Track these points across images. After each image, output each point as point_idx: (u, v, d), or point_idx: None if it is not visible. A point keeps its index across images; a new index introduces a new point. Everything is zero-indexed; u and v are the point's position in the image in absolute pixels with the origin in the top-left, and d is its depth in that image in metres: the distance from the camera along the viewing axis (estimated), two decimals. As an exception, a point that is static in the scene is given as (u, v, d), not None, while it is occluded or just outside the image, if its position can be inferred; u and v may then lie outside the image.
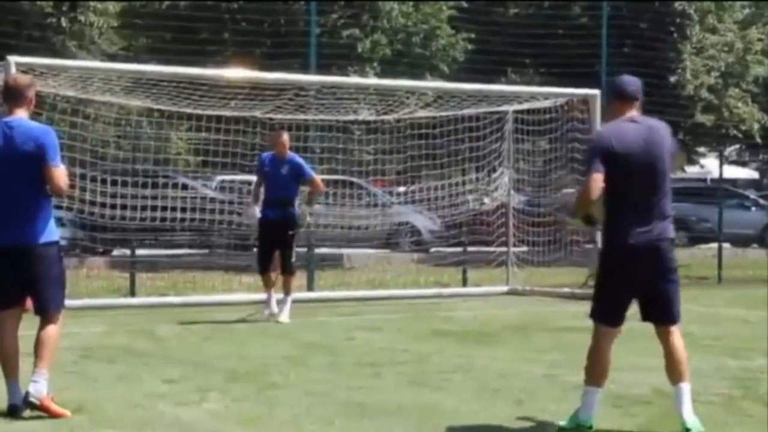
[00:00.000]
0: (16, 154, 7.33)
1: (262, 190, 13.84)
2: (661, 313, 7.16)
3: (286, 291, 13.73)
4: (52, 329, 7.47)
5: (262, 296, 14.37)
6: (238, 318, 13.78)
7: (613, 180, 6.89)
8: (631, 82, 7.23)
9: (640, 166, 6.92)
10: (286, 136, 14.02)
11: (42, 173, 7.34)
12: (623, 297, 7.13)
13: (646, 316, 7.22)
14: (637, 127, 7.04)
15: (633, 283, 7.05)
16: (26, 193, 7.38)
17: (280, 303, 13.61)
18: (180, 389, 8.60)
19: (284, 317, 13.47)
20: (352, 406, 7.95)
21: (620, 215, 6.98)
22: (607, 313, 7.20)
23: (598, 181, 6.86)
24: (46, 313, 7.50)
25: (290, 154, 13.90)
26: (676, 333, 7.16)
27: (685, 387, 7.05)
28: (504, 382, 9.02)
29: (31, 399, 7.27)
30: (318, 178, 14.33)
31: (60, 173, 7.40)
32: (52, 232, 7.53)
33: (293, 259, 13.89)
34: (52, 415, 7.34)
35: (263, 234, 13.77)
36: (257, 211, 13.77)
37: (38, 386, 7.30)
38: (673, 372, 7.10)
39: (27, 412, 7.34)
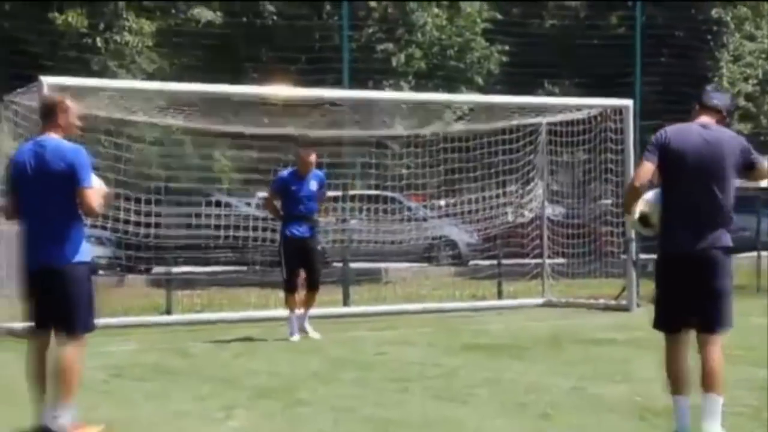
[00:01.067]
0: (47, 173, 7.27)
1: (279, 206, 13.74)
2: (703, 321, 7.01)
3: (309, 306, 13.73)
4: (72, 354, 7.32)
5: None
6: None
7: (666, 179, 6.94)
8: (717, 96, 7.30)
9: (693, 167, 6.86)
10: (313, 156, 13.83)
11: (73, 193, 7.27)
12: (676, 303, 7.03)
13: (693, 325, 7.08)
14: (701, 131, 6.98)
15: (684, 290, 6.96)
16: (57, 213, 7.31)
17: (300, 320, 13.53)
18: (207, 407, 8.62)
19: (314, 332, 13.51)
20: (377, 422, 7.93)
21: (672, 220, 6.96)
22: (662, 320, 7.16)
23: (646, 168, 6.91)
24: (73, 334, 7.37)
25: (315, 171, 13.79)
26: (715, 343, 7.00)
27: (715, 399, 6.92)
28: (531, 396, 8.95)
29: None
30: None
31: (91, 193, 7.30)
32: (83, 253, 7.44)
33: (319, 276, 13.89)
34: (78, 435, 7.35)
35: (290, 252, 13.49)
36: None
37: (62, 421, 7.22)
38: (706, 378, 6.97)
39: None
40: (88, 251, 7.55)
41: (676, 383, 7.09)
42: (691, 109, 7.24)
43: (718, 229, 6.92)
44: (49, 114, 7.53)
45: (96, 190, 7.41)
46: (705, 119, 7.05)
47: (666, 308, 7.12)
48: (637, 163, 7.08)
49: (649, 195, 7.12)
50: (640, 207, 7.12)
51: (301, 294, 13.64)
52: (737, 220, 23.62)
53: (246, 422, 8.02)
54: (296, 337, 13.30)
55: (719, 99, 7.24)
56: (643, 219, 7.18)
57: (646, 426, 7.69)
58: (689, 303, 6.98)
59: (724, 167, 6.90)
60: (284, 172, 14.04)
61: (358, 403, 8.75)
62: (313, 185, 13.55)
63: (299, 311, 13.60)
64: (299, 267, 13.50)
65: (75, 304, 7.40)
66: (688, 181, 6.88)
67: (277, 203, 13.84)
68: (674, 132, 7.00)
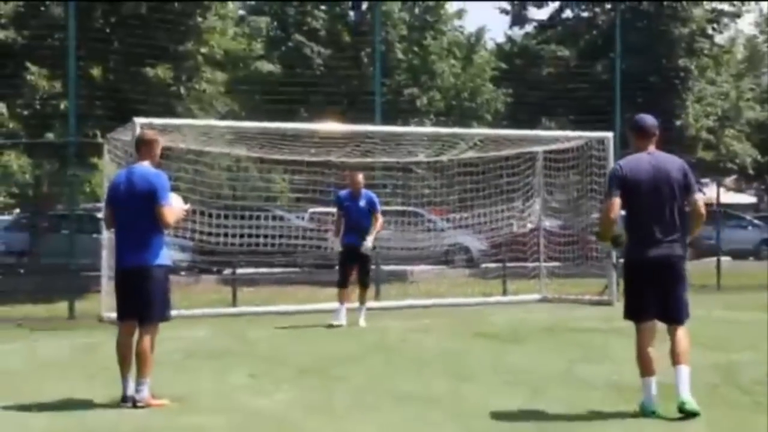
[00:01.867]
0: (134, 193, 7.43)
1: (342, 221, 13.64)
2: (669, 316, 6.99)
3: (363, 301, 13.63)
4: (148, 342, 7.42)
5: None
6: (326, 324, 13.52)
7: (628, 203, 6.83)
8: (648, 122, 7.09)
9: (649, 191, 6.80)
10: (360, 176, 13.87)
11: (154, 209, 7.38)
12: (642, 299, 6.96)
13: (660, 318, 7.04)
14: (649, 158, 6.90)
15: (647, 290, 6.92)
16: (141, 224, 7.41)
17: (357, 311, 13.44)
18: (260, 382, 8.54)
19: (362, 322, 13.38)
20: (398, 396, 7.80)
21: (635, 234, 6.86)
22: (631, 312, 7.11)
23: (615, 203, 6.82)
24: (151, 323, 7.46)
25: (365, 191, 13.77)
26: (680, 330, 6.99)
27: (684, 369, 6.85)
28: (527, 375, 8.79)
29: (139, 405, 7.33)
30: (379, 215, 13.93)
31: (167, 211, 7.41)
32: (162, 257, 7.51)
33: (369, 276, 13.91)
34: (155, 406, 7.36)
35: (345, 256, 13.58)
36: (336, 242, 13.77)
37: (143, 394, 7.36)
38: (674, 355, 6.91)
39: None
40: (166, 256, 7.61)
41: (646, 366, 7.01)
42: (635, 137, 7.03)
43: (675, 239, 6.87)
44: (144, 146, 7.69)
45: (172, 207, 7.50)
46: (649, 147, 6.96)
47: (632, 303, 7.06)
48: (605, 200, 6.96)
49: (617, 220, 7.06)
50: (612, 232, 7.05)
51: (354, 291, 13.61)
52: (702, 231, 23.34)
53: (291, 395, 7.93)
54: (339, 322, 13.23)
55: (651, 122, 7.06)
56: (615, 240, 7.09)
57: (622, 400, 7.48)
58: (651, 300, 6.92)
59: (672, 187, 6.85)
60: (341, 192, 14.01)
61: (382, 380, 8.63)
62: (363, 203, 13.53)
63: (349, 304, 13.53)
64: (351, 269, 13.49)
65: (154, 299, 7.47)
66: (646, 202, 6.82)
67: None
68: (627, 165, 6.91)
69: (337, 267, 13.98)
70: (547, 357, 9.98)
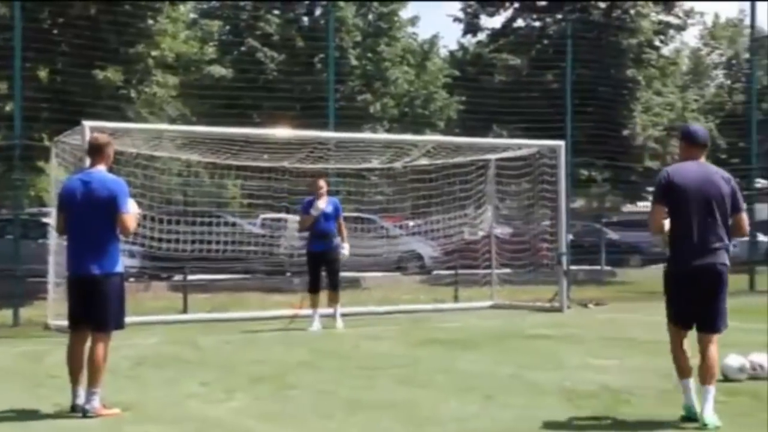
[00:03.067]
0: (93, 200, 7.28)
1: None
2: (707, 323, 6.91)
3: (336, 301, 13.80)
4: (101, 350, 7.29)
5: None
6: (286, 324, 13.73)
7: (673, 209, 6.78)
8: (700, 132, 7.09)
9: (696, 197, 6.74)
10: (323, 182, 13.95)
11: (113, 216, 7.26)
12: (686, 305, 6.92)
13: (697, 326, 6.98)
14: (698, 166, 6.88)
15: (690, 297, 6.87)
16: (99, 231, 7.28)
17: (329, 316, 13.69)
18: (211, 390, 8.42)
19: (340, 323, 13.62)
20: (351, 403, 7.75)
21: (680, 240, 6.80)
22: (677, 318, 7.05)
23: (658, 212, 6.81)
24: (105, 331, 7.33)
25: (329, 197, 13.86)
26: (713, 344, 6.89)
27: (711, 390, 6.77)
28: (478, 380, 8.78)
29: (89, 415, 7.18)
30: (342, 219, 14.07)
31: (128, 218, 7.31)
32: (120, 265, 7.42)
33: (339, 278, 14.00)
34: (105, 416, 7.22)
35: (313, 261, 13.67)
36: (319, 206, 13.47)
37: (93, 404, 7.22)
38: (703, 374, 6.83)
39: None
40: (122, 263, 7.49)
41: (685, 368, 6.99)
42: (686, 147, 7.00)
43: (719, 248, 6.80)
44: (98, 151, 7.53)
45: (132, 215, 7.38)
46: (698, 157, 6.93)
47: (677, 310, 7.01)
48: (651, 207, 6.98)
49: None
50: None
51: (323, 296, 13.77)
52: (648, 239, 23.57)
53: (243, 403, 7.83)
54: (316, 327, 13.39)
55: (703, 134, 7.07)
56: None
57: (573, 406, 7.52)
58: (693, 307, 6.91)
59: (720, 196, 6.81)
60: (306, 199, 14.07)
61: (336, 387, 8.56)
62: (329, 208, 13.60)
63: (327, 310, 13.76)
64: (320, 273, 13.61)
65: (110, 307, 7.35)
66: (692, 208, 6.75)
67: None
68: (674, 172, 6.88)
69: (288, 274, 13.97)
70: (499, 363, 9.97)
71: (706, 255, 6.76)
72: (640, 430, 6.76)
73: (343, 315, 14.11)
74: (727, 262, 6.86)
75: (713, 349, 6.85)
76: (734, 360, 8.61)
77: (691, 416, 6.83)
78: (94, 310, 7.31)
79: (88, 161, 7.73)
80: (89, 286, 7.30)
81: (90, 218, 7.29)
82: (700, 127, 7.28)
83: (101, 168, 7.48)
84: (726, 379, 8.51)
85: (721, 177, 6.92)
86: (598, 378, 8.77)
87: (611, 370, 9.42)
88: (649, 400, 7.74)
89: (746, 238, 26.40)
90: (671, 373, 8.94)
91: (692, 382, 6.89)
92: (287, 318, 14.28)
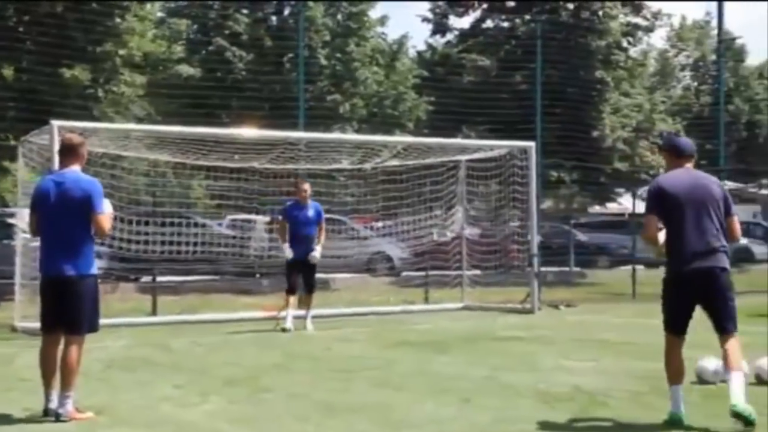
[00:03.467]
0: (67, 200, 7.19)
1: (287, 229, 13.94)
2: (717, 327, 6.90)
3: (308, 307, 13.97)
4: (75, 352, 7.20)
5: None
6: (274, 328, 13.74)
7: (668, 217, 6.80)
8: (686, 144, 7.20)
9: (689, 202, 6.77)
10: (306, 185, 14.14)
11: (87, 217, 7.19)
12: (681, 312, 6.90)
13: (714, 328, 6.94)
14: (687, 173, 6.93)
15: (688, 303, 6.85)
16: (73, 232, 7.20)
17: (303, 318, 13.82)
18: (185, 393, 8.37)
19: (310, 326, 13.76)
20: (327, 405, 7.73)
21: (677, 247, 6.79)
22: (672, 324, 7.00)
23: (651, 222, 6.85)
24: (79, 333, 7.26)
25: (312, 201, 14.01)
26: (732, 339, 6.86)
27: (736, 374, 6.73)
28: (453, 383, 8.79)
29: (63, 419, 7.10)
30: (323, 224, 14.16)
31: (103, 219, 7.24)
32: (94, 266, 7.34)
33: (315, 281, 14.19)
34: (79, 420, 7.14)
35: (292, 265, 13.80)
36: (288, 250, 13.80)
37: (67, 407, 7.13)
38: (727, 362, 6.83)
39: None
40: (96, 265, 7.41)
41: (676, 374, 6.99)
42: (673, 158, 7.06)
43: (717, 251, 6.80)
44: (71, 151, 7.45)
45: (107, 215, 7.32)
46: (686, 165, 6.99)
47: (674, 316, 6.98)
48: (644, 215, 7.02)
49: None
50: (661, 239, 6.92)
51: (297, 298, 13.97)
52: (617, 240, 23.79)
53: (218, 406, 7.79)
54: (289, 325, 13.50)
55: (689, 146, 7.16)
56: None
57: (549, 409, 7.54)
58: (690, 313, 6.90)
59: (713, 199, 6.84)
60: (288, 202, 14.27)
61: (310, 390, 8.53)
62: (311, 212, 13.77)
63: (299, 311, 13.90)
64: (298, 276, 13.81)
65: (84, 309, 7.27)
66: (687, 214, 6.77)
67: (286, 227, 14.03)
68: (664, 179, 6.96)
69: (257, 275, 13.99)
70: (472, 365, 9.98)
71: (706, 258, 6.75)
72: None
73: (313, 317, 14.10)
74: (727, 265, 6.85)
75: (733, 341, 6.82)
76: (709, 363, 8.66)
77: (674, 422, 6.83)
78: (68, 312, 7.23)
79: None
80: (63, 288, 7.21)
81: (64, 219, 7.20)
82: (684, 138, 7.43)
83: (75, 168, 7.39)
84: (701, 381, 8.58)
85: (712, 181, 6.99)
86: (573, 380, 8.81)
87: (585, 372, 9.47)
88: (625, 402, 7.79)
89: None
90: (646, 376, 9.08)
91: (681, 389, 6.91)
92: (274, 319, 14.20)
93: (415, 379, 9.07)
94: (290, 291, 13.82)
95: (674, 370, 6.99)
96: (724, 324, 6.87)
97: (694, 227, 6.77)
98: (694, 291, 6.81)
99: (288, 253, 13.85)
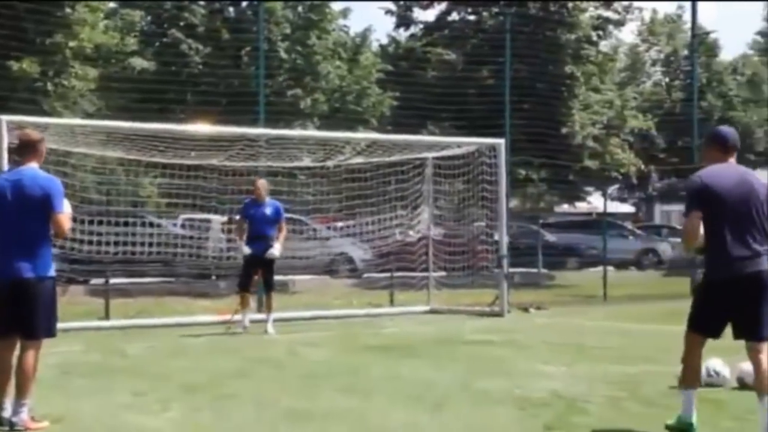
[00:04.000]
0: (25, 199, 7.10)
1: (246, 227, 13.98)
2: (751, 332, 6.66)
3: (269, 308, 14.02)
4: (31, 358, 7.12)
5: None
6: (224, 330, 13.82)
7: (711, 216, 6.57)
8: (730, 136, 6.90)
9: (735, 201, 6.56)
10: (263, 182, 14.19)
11: (45, 217, 7.10)
12: (719, 316, 6.68)
13: (737, 335, 6.72)
14: (732, 168, 6.73)
15: (730, 308, 6.63)
16: (31, 233, 7.11)
17: (264, 321, 13.89)
18: (145, 400, 8.31)
19: (271, 329, 13.75)
20: (294, 413, 7.72)
21: (721, 248, 6.57)
22: (702, 326, 6.75)
23: (694, 221, 6.57)
24: (36, 338, 7.17)
25: (270, 199, 14.04)
26: (764, 352, 6.65)
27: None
28: (425, 389, 8.79)
29: (17, 428, 7.02)
30: (284, 224, 14.19)
31: (63, 218, 7.16)
32: (51, 268, 7.24)
33: (273, 278, 14.22)
34: (34, 430, 7.07)
35: (248, 263, 13.89)
36: (246, 248, 13.86)
37: (22, 416, 7.04)
38: (761, 383, 6.61)
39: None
40: (53, 266, 7.31)
41: (693, 378, 6.87)
42: (704, 147, 6.95)
43: (762, 253, 6.63)
44: (29, 148, 7.38)
45: (67, 214, 7.25)
46: (730, 160, 6.79)
47: (707, 319, 6.72)
48: (685, 216, 6.69)
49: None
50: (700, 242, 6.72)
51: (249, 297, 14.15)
52: (587, 241, 23.93)
53: (180, 414, 7.74)
54: (246, 324, 13.72)
55: (734, 137, 6.91)
56: (703, 251, 6.82)
57: (527, 415, 7.59)
58: (726, 318, 6.67)
59: (758, 197, 6.66)
60: (246, 200, 14.33)
61: (275, 396, 8.51)
62: (269, 210, 13.81)
63: (259, 315, 14.10)
64: (252, 275, 13.95)
65: (41, 313, 7.18)
66: (732, 213, 6.58)
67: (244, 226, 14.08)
68: (709, 177, 6.68)
69: (214, 277, 13.99)
70: (444, 370, 10.02)
71: (751, 262, 6.57)
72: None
73: (275, 320, 14.07)
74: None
75: (765, 356, 6.63)
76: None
77: (682, 427, 6.76)
78: (26, 316, 7.13)
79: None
80: (20, 291, 7.11)
81: (20, 218, 7.10)
82: (730, 128, 7.07)
83: (33, 165, 7.31)
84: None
85: (756, 178, 6.77)
86: (549, 385, 8.87)
87: (561, 376, 9.53)
88: (604, 408, 7.85)
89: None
90: (623, 381, 9.18)
91: (695, 395, 6.82)
92: (225, 324, 14.17)
93: (386, 385, 9.09)
94: (242, 287, 13.91)
95: (693, 373, 6.86)
96: (760, 330, 6.64)
97: (739, 228, 6.58)
98: (738, 296, 6.60)
99: (245, 250, 13.90)
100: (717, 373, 8.80)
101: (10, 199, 7.15)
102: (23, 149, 7.40)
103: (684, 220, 6.73)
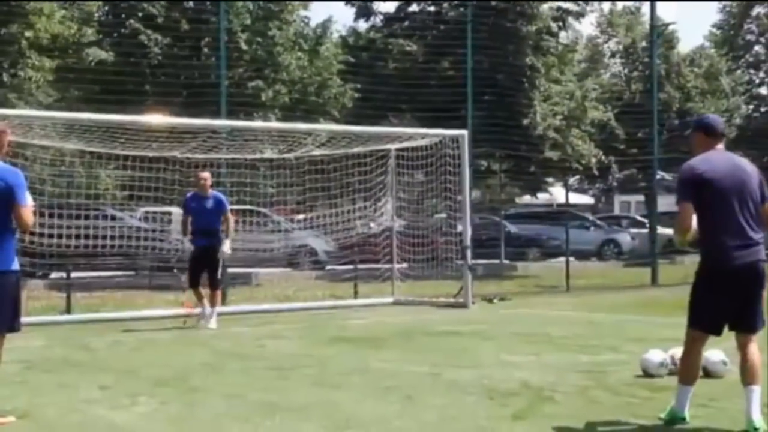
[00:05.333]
0: None
1: (190, 223, 13.90)
2: (745, 323, 6.62)
3: (213, 303, 13.78)
4: None
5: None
6: (181, 324, 13.83)
7: (704, 205, 6.48)
8: (719, 122, 6.89)
9: (729, 189, 6.48)
10: (206, 175, 14.01)
11: (8, 209, 6.98)
12: (718, 310, 6.59)
13: (731, 327, 6.66)
14: (723, 156, 6.66)
15: (725, 300, 6.54)
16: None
17: (208, 314, 13.73)
18: (113, 395, 8.28)
19: (213, 324, 13.60)
20: (265, 406, 7.72)
21: (716, 238, 6.49)
22: (707, 323, 6.66)
23: (687, 211, 6.48)
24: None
25: (213, 191, 13.88)
26: (753, 343, 6.63)
27: (756, 389, 6.52)
28: (395, 380, 8.83)
29: None
30: (230, 215, 14.10)
31: (27, 211, 7.04)
32: (14, 262, 7.11)
33: (219, 278, 14.06)
34: (0, 426, 7.00)
35: (194, 258, 13.78)
36: (188, 243, 13.87)
37: None
38: (746, 374, 6.57)
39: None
40: (17, 261, 7.18)
41: (692, 375, 6.80)
42: (690, 135, 6.90)
43: (758, 243, 6.55)
44: None
45: (30, 207, 7.14)
46: (718, 146, 6.72)
47: (706, 313, 6.62)
48: (678, 206, 6.55)
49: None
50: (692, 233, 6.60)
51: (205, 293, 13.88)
52: (549, 232, 24.21)
53: (149, 408, 7.71)
54: (213, 323, 13.65)
55: (721, 124, 6.90)
56: (695, 243, 6.67)
57: (496, 405, 7.65)
58: (726, 311, 6.59)
59: (751, 185, 6.60)
60: (188, 194, 14.16)
61: (245, 389, 8.50)
62: (210, 204, 13.71)
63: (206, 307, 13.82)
64: (200, 271, 13.75)
65: (4, 307, 7.06)
66: (726, 202, 6.50)
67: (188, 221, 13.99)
68: (700, 162, 6.60)
69: (175, 270, 13.94)
70: (412, 362, 10.06)
71: (747, 251, 6.49)
72: (570, 427, 6.89)
73: (240, 313, 14.07)
74: (765, 257, 6.62)
75: (754, 348, 6.61)
76: (655, 355, 8.88)
77: (674, 420, 6.78)
78: None
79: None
80: None
81: None
82: (716, 116, 7.04)
83: None
84: (646, 374, 8.79)
85: (747, 164, 6.70)
86: (517, 375, 8.95)
87: (529, 366, 9.62)
88: (572, 397, 7.94)
89: (646, 231, 27.43)
90: (590, 370, 9.29)
91: (692, 392, 6.82)
92: (180, 318, 14.13)
93: (354, 377, 9.12)
94: (192, 285, 13.80)
95: (691, 370, 6.80)
96: (752, 322, 6.62)
97: (734, 217, 6.50)
98: (737, 287, 6.52)
99: (187, 245, 13.86)
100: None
101: None
102: None
103: (677, 209, 6.62)
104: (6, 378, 8.54)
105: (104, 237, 16.43)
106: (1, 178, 7.05)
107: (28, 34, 19.69)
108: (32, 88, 21.56)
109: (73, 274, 17.05)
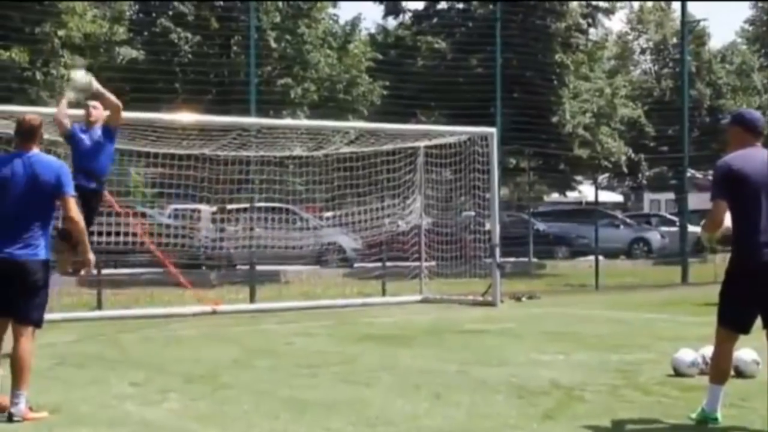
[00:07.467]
0: (36, 183, 7.13)
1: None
2: None
3: None
4: (27, 346, 7.08)
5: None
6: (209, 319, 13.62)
7: (739, 202, 6.40)
8: (760, 119, 6.76)
9: (764, 189, 6.38)
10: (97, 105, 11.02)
11: (52, 200, 7.20)
12: (749, 308, 6.48)
13: (766, 324, 6.54)
14: (761, 153, 6.53)
15: (760, 298, 6.43)
16: (36, 216, 7.14)
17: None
18: (144, 391, 8.33)
19: None
20: (294, 402, 7.74)
21: (751, 237, 6.40)
22: (733, 322, 6.57)
23: (721, 208, 6.41)
24: (30, 323, 7.13)
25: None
26: None
27: None
28: (424, 378, 8.83)
29: (15, 419, 6.99)
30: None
31: (74, 201, 7.27)
32: (48, 252, 7.25)
33: None
34: (33, 420, 7.05)
35: None
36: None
37: (20, 407, 7.02)
38: None
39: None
40: (49, 252, 7.31)
41: (723, 374, 6.73)
42: (727, 129, 6.79)
43: None
44: (32, 132, 7.40)
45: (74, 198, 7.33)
46: (756, 143, 6.62)
47: (737, 312, 6.53)
48: (712, 199, 6.47)
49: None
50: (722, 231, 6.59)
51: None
52: (578, 230, 24.01)
53: (180, 404, 7.75)
54: None
55: (761, 121, 6.75)
56: (724, 241, 6.66)
57: (525, 403, 7.63)
58: (761, 308, 6.48)
59: None
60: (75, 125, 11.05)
61: (274, 386, 8.53)
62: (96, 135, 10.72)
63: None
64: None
65: (36, 297, 7.18)
66: (762, 200, 6.41)
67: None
68: (736, 159, 6.51)
69: (203, 268, 13.88)
70: (441, 360, 10.06)
71: None
72: (600, 427, 6.87)
73: (269, 310, 14.09)
74: None
75: None
76: (686, 354, 8.82)
77: (705, 420, 6.71)
78: (18, 299, 7.08)
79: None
80: (14, 273, 7.05)
81: (32, 203, 7.13)
82: (756, 112, 6.94)
83: (37, 150, 7.34)
84: (677, 373, 8.74)
85: None
86: (546, 374, 8.92)
87: (558, 365, 9.59)
88: (603, 396, 7.91)
89: (676, 229, 27.25)
90: (620, 369, 9.25)
91: (723, 391, 6.74)
92: (208, 314, 14.21)
93: (383, 374, 9.12)
94: None
95: (722, 369, 6.73)
96: None
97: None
98: (765, 285, 6.39)
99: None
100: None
101: (20, 181, 7.16)
102: (26, 134, 7.38)
103: (710, 206, 6.52)
104: (38, 373, 8.56)
105: (134, 234, 16.49)
106: (49, 169, 7.22)
107: (60, 33, 19.78)
108: (64, 87, 21.64)
109: (104, 271, 17.14)
